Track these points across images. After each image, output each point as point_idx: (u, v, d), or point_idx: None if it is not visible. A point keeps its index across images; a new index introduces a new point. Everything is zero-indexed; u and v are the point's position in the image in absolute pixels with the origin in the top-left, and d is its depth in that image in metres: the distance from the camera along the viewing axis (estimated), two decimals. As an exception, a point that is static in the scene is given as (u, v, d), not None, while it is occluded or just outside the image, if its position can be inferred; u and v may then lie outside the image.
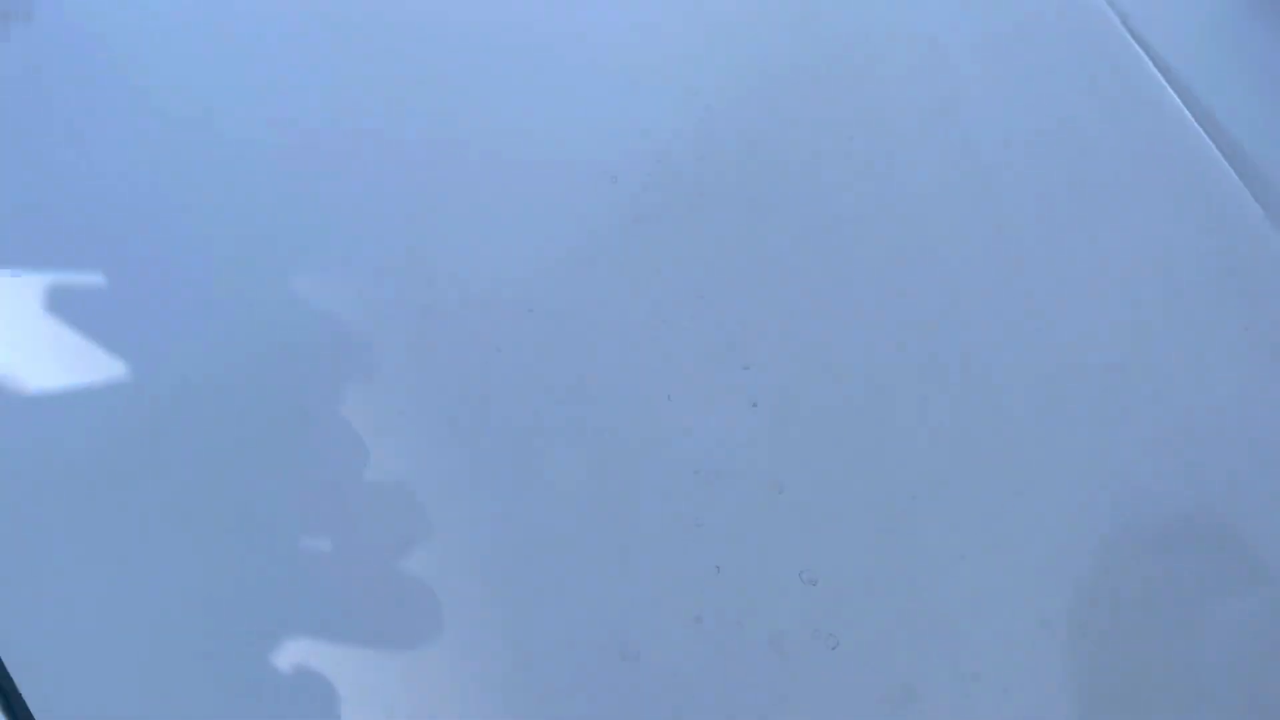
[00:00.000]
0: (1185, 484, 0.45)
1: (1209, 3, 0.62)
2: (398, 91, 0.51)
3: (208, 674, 0.38)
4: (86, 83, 0.50)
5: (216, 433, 0.42)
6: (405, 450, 0.43)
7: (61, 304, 0.44)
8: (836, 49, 0.56)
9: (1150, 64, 0.55)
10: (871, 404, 0.46)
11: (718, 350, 0.46)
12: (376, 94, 0.51)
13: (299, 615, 0.39)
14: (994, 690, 0.41)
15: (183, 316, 0.44)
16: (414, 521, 0.42)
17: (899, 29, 0.57)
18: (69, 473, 0.40)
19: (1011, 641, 0.42)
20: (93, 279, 0.45)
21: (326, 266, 0.47)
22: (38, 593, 0.38)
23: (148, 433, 0.41)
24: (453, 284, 0.47)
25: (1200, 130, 0.54)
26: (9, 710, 0.36)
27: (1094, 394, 0.47)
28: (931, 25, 0.57)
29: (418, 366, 0.45)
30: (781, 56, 0.56)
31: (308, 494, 0.41)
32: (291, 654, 0.38)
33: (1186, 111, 0.54)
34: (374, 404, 0.44)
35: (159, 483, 0.40)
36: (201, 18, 0.54)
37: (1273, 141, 0.55)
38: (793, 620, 0.41)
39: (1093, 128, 0.55)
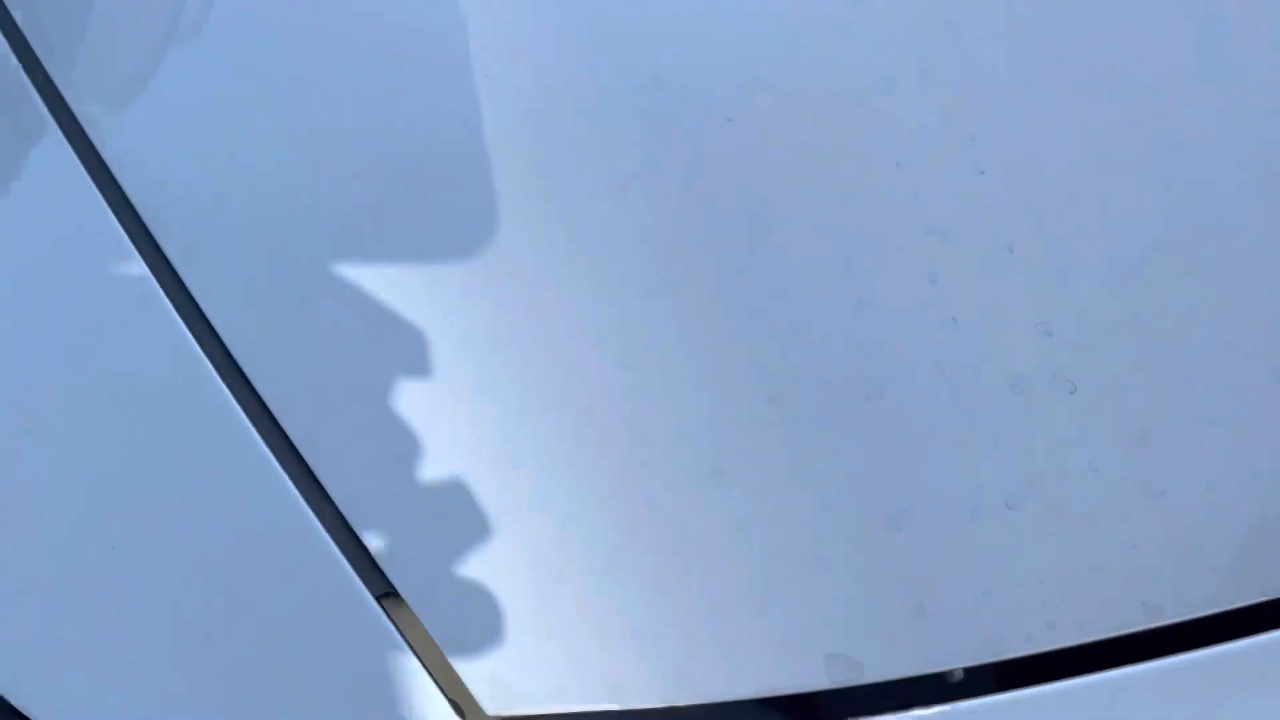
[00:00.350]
0: None
1: None
2: None
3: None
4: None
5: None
6: (641, 212, 0.45)
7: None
8: None
9: None
10: (1095, 170, 0.46)
11: (943, 119, 0.47)
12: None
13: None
14: (1230, 434, 0.42)
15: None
16: (654, 277, 0.44)
17: None
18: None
19: (1247, 389, 0.43)
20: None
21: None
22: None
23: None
24: (679, 56, 0.48)
25: None
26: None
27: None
28: None
29: (648, 135, 0.46)
30: None
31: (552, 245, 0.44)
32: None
33: None
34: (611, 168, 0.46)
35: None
36: None
37: None
38: (1031, 367, 0.43)
39: None
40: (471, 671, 0.39)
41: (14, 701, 0.39)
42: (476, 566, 0.39)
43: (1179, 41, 0.49)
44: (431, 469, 0.40)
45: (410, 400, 0.41)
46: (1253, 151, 0.47)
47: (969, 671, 0.39)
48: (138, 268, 0.43)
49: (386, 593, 0.40)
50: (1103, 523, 0.41)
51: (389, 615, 0.40)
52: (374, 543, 0.40)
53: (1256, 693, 0.39)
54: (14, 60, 0.47)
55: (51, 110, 0.46)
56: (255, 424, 0.41)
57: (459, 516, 0.40)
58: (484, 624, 0.39)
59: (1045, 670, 0.39)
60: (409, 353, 0.42)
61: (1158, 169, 0.46)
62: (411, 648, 0.39)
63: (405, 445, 0.41)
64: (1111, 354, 0.43)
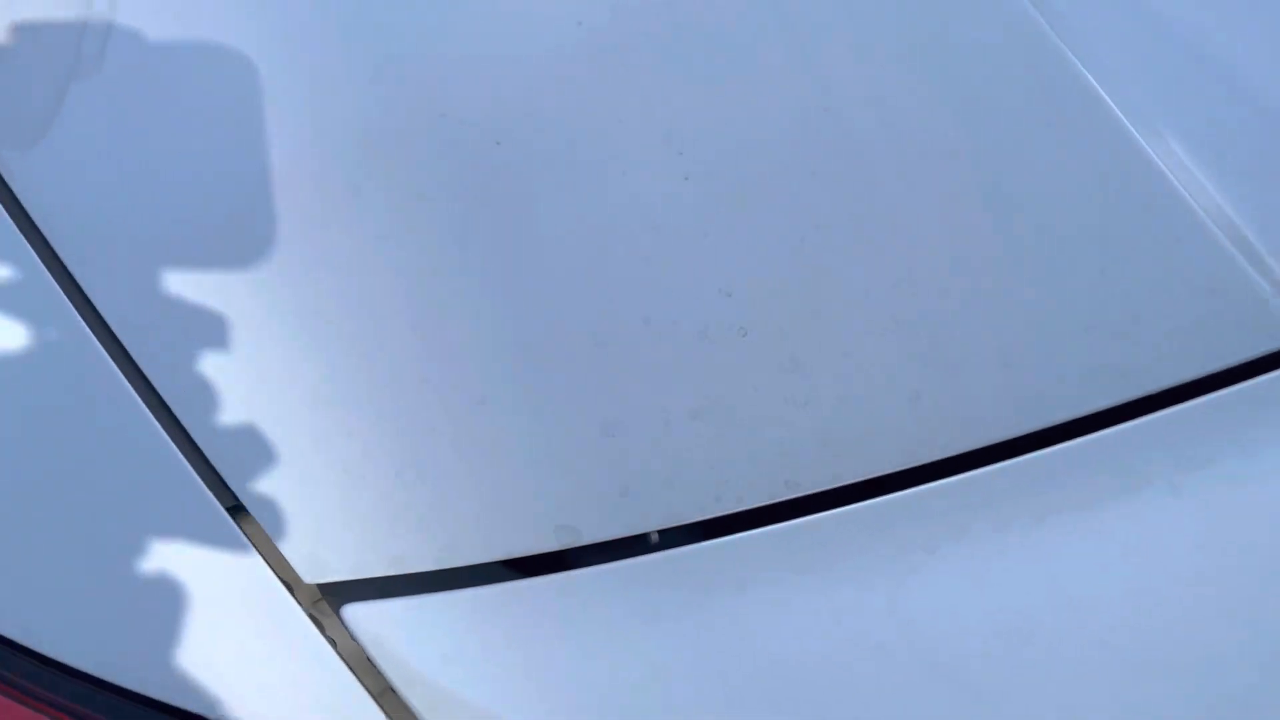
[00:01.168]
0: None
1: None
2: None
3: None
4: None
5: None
6: (428, 237, 0.60)
7: None
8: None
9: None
10: (772, 177, 0.62)
11: (656, 143, 0.63)
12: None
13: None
14: (858, 363, 0.58)
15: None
16: (434, 296, 0.59)
17: None
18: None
19: (872, 331, 0.59)
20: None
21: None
22: None
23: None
24: (460, 94, 0.63)
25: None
26: None
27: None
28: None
29: (435, 158, 0.61)
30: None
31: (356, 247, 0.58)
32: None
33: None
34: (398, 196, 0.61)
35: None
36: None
37: None
38: (716, 319, 0.58)
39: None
40: (293, 552, 0.53)
41: None
42: (296, 469, 0.54)
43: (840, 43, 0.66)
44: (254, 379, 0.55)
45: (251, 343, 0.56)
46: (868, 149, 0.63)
47: (662, 533, 0.54)
48: None
49: (234, 505, 0.54)
50: (761, 427, 0.56)
51: (236, 522, 0.54)
52: (219, 459, 0.54)
53: (860, 551, 0.54)
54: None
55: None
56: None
57: (281, 428, 0.54)
58: (300, 510, 0.53)
59: (717, 529, 0.54)
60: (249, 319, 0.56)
61: (812, 170, 0.63)
62: (254, 546, 0.53)
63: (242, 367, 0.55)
64: (773, 308, 0.59)
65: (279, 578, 0.53)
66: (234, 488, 0.54)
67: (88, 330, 0.56)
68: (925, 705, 0.52)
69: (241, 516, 0.54)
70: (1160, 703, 0.53)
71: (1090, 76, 0.67)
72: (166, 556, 0.54)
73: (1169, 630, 0.53)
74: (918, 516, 0.54)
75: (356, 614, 0.53)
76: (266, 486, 0.54)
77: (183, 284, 0.57)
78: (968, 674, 0.53)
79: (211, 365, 0.56)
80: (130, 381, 0.55)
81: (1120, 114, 0.66)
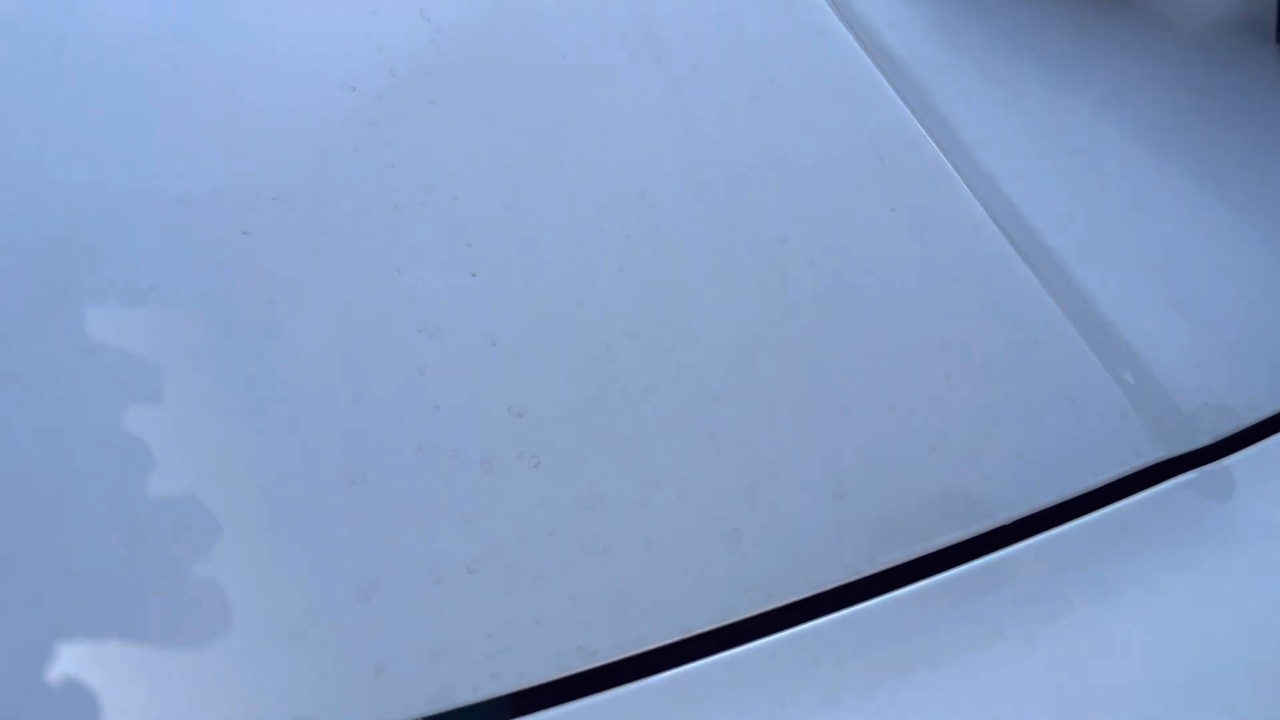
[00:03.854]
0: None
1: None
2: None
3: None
4: None
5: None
6: (160, 319, 0.49)
7: None
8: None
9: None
10: (571, 272, 0.54)
11: (441, 230, 0.54)
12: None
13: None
14: (669, 495, 0.49)
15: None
16: (161, 377, 0.48)
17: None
18: None
19: (683, 453, 0.50)
20: None
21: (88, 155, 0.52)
22: None
23: None
24: (204, 175, 0.53)
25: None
26: None
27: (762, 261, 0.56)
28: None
29: (171, 246, 0.51)
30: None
31: (67, 355, 0.47)
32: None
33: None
34: (132, 283, 0.50)
35: None
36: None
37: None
38: (501, 446, 0.49)
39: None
40: None
41: None
42: None
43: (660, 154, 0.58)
44: None
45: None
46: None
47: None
48: None
49: None
50: (551, 579, 0.47)
51: None
52: None
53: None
54: None
55: None
56: None
57: None
58: None
59: (492, 714, 0.45)
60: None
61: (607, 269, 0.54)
62: None
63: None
64: (570, 431, 0.50)
65: None
66: None
67: None
68: None
69: None
70: None
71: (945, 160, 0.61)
72: None
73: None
74: (732, 686, 0.46)
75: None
76: None
77: None
78: None
79: None
80: None
81: (975, 199, 0.60)
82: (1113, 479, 0.54)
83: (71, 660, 0.43)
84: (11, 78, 0.57)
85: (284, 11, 0.58)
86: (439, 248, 0.53)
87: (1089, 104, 0.67)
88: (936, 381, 0.54)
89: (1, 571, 0.44)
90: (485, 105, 0.57)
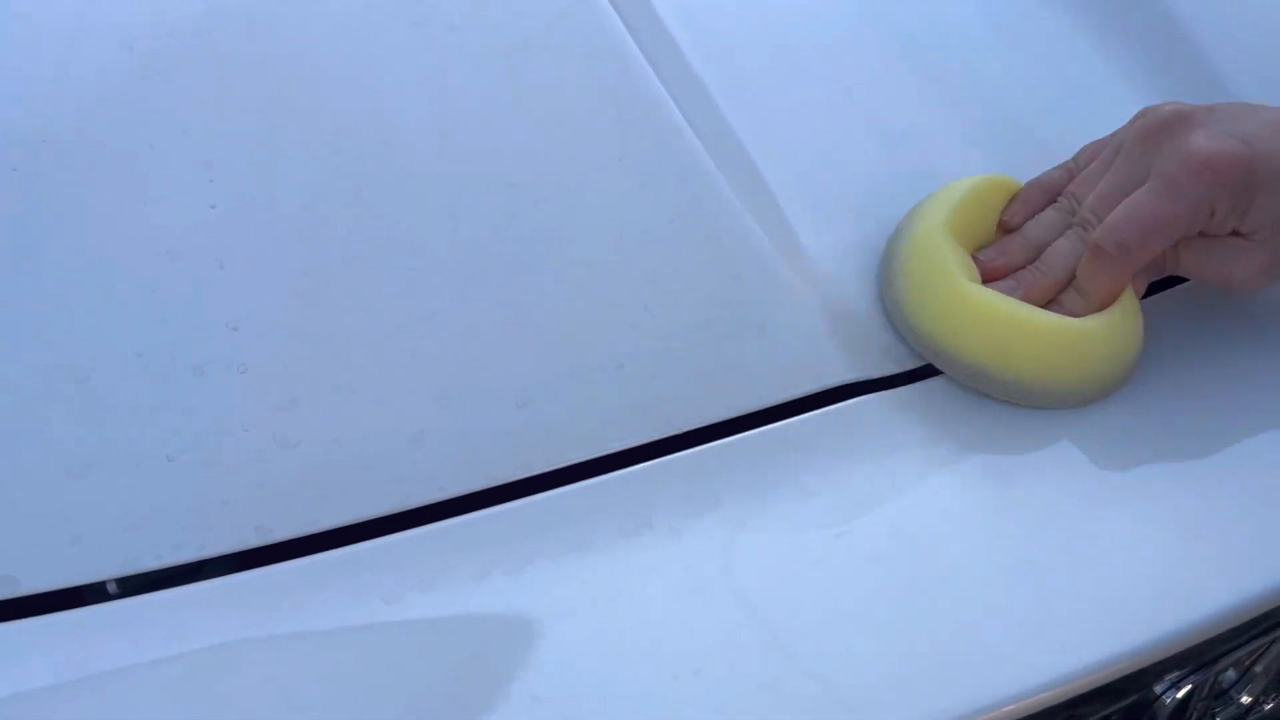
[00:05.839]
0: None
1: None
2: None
3: None
4: None
5: None
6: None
7: None
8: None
9: None
10: (303, 207, 0.60)
11: (191, 168, 0.60)
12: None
13: None
14: (364, 400, 0.55)
15: None
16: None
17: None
18: None
19: (388, 367, 0.56)
20: None
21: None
22: None
23: None
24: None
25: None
26: None
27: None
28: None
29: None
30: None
31: None
32: None
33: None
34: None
35: None
36: None
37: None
38: (215, 354, 0.55)
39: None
40: None
41: None
42: None
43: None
44: None
45: None
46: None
47: (120, 581, 0.51)
48: None
49: None
50: (241, 469, 0.53)
51: None
52: None
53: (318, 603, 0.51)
54: None
55: None
56: None
57: None
58: None
59: (175, 578, 0.51)
60: None
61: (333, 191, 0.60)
62: None
63: None
64: (279, 344, 0.56)
65: None
66: None
67: None
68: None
69: None
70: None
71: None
72: None
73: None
74: (389, 565, 0.52)
75: None
76: None
77: None
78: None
79: None
80: None
81: (705, 152, 0.65)
82: (791, 399, 0.59)
83: None
84: None
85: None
86: (186, 184, 0.60)
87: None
88: (634, 310, 0.60)
89: None
90: (248, 61, 0.64)
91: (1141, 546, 0.54)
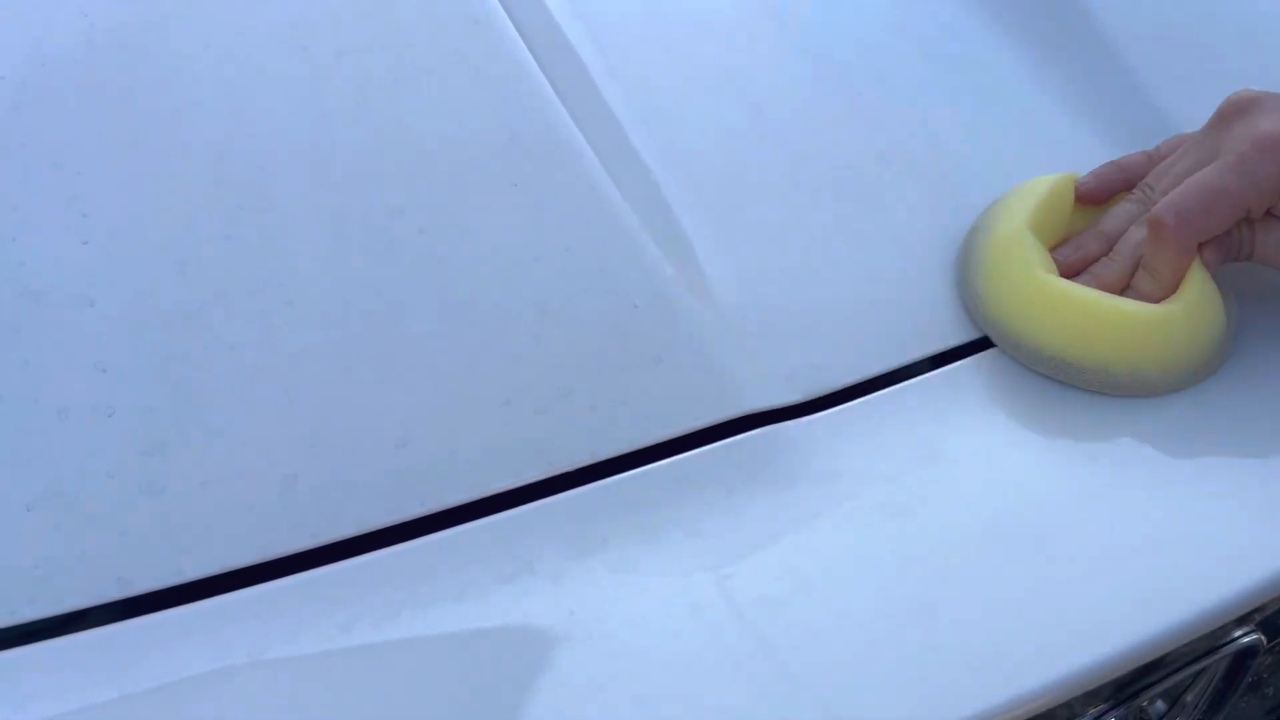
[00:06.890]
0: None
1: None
2: None
3: None
4: None
5: None
6: None
7: None
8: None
9: None
10: (175, 239, 0.58)
11: (61, 202, 0.58)
12: None
13: None
14: (232, 444, 0.53)
15: None
16: None
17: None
18: None
19: (257, 407, 0.54)
20: None
21: None
22: None
23: None
24: None
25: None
26: None
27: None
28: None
29: None
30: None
31: None
32: None
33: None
34: None
35: None
36: None
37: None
38: (81, 397, 0.53)
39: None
40: None
41: None
42: None
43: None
44: None
45: None
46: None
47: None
48: None
49: None
50: (104, 518, 0.51)
51: None
52: None
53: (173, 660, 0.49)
54: None
55: None
56: None
57: None
58: None
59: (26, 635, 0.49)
60: None
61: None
62: None
63: None
64: (148, 385, 0.54)
65: None
66: None
67: None
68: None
69: None
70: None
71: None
72: None
73: None
74: (253, 616, 0.50)
75: None
76: None
77: None
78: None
79: None
80: None
81: (608, 177, 0.63)
82: (684, 432, 0.57)
83: None
84: None
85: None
86: (57, 219, 0.58)
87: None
88: (522, 341, 0.58)
89: None
90: (124, 92, 0.62)
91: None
